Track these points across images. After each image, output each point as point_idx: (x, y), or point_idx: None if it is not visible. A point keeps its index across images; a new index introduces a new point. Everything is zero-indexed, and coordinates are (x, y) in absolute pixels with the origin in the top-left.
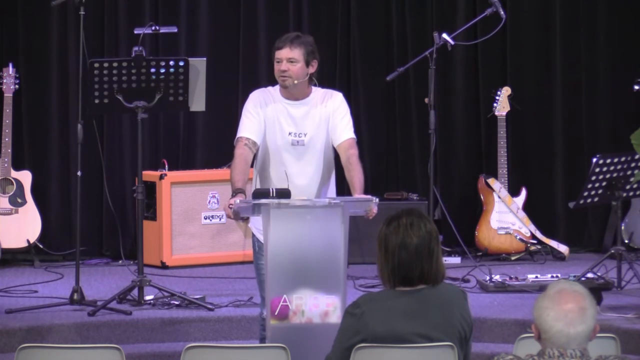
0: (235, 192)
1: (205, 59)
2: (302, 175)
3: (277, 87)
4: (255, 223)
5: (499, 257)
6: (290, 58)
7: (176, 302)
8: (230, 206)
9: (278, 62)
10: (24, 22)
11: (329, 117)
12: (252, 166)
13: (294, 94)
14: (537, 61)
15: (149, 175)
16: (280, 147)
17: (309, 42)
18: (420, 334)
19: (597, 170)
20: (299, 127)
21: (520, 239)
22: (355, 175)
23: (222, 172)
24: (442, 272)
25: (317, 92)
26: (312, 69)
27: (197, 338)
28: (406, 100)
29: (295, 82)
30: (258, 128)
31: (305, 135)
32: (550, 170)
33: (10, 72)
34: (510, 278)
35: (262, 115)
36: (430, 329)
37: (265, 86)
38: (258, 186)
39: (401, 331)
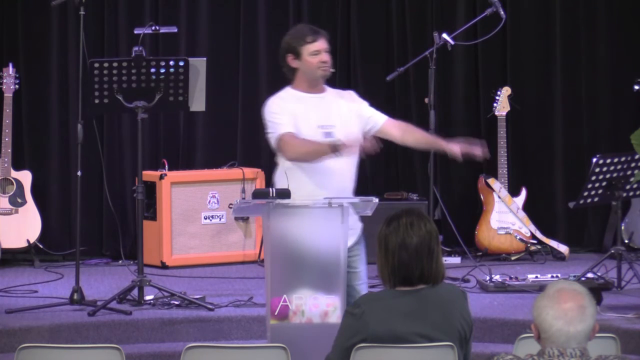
0: (331, 144)
1: (205, 59)
2: (337, 169)
3: (287, 88)
4: None
5: (499, 257)
6: (327, 49)
7: (176, 302)
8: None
9: (316, 54)
10: (24, 22)
11: (357, 110)
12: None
13: (315, 86)
14: (537, 61)
15: (149, 175)
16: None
17: None
18: (420, 333)
19: (597, 170)
20: (326, 118)
21: (520, 239)
22: (418, 129)
23: (222, 172)
24: (442, 272)
25: (328, 88)
26: None
27: (197, 338)
28: (406, 100)
29: (331, 71)
30: (293, 122)
31: (333, 127)
32: (550, 170)
33: (10, 72)
34: (510, 278)
35: (289, 112)
36: (430, 329)
37: (272, 92)
38: (288, 183)
39: (401, 331)
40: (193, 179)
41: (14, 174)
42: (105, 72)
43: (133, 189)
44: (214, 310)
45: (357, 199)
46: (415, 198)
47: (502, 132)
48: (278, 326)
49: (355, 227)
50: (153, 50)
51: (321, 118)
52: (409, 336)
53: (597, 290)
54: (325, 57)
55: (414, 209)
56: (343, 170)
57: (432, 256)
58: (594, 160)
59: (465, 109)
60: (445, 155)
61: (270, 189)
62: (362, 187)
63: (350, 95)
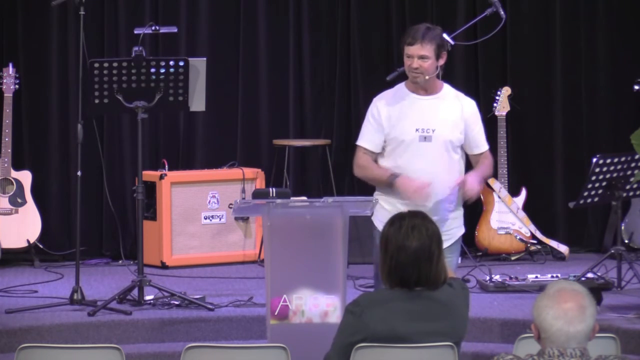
0: (393, 176)
1: (205, 59)
2: (430, 173)
3: (402, 84)
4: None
5: (499, 257)
6: (422, 55)
7: (176, 302)
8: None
9: (409, 57)
10: (24, 22)
11: (466, 120)
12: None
13: (423, 87)
14: (537, 61)
15: (149, 175)
16: (408, 143)
17: (438, 34)
18: (420, 333)
19: (597, 170)
20: (426, 122)
21: (520, 239)
22: (483, 165)
23: (222, 172)
24: (444, 274)
25: (449, 89)
26: (442, 61)
27: (197, 338)
28: None
29: (427, 77)
30: (377, 138)
31: (433, 131)
32: (550, 170)
33: (10, 72)
34: (510, 278)
35: (384, 121)
36: (430, 328)
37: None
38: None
39: (401, 330)
40: (193, 179)
41: (14, 174)
42: (105, 72)
43: (133, 189)
44: (214, 310)
45: (357, 199)
46: None
47: (502, 132)
48: (278, 326)
49: (448, 231)
50: (153, 50)
51: (421, 121)
52: (409, 336)
53: (597, 290)
54: (415, 63)
55: (419, 211)
56: (436, 178)
57: (432, 260)
58: (594, 160)
59: None
60: None
61: (270, 189)
62: (363, 186)
63: (471, 104)
